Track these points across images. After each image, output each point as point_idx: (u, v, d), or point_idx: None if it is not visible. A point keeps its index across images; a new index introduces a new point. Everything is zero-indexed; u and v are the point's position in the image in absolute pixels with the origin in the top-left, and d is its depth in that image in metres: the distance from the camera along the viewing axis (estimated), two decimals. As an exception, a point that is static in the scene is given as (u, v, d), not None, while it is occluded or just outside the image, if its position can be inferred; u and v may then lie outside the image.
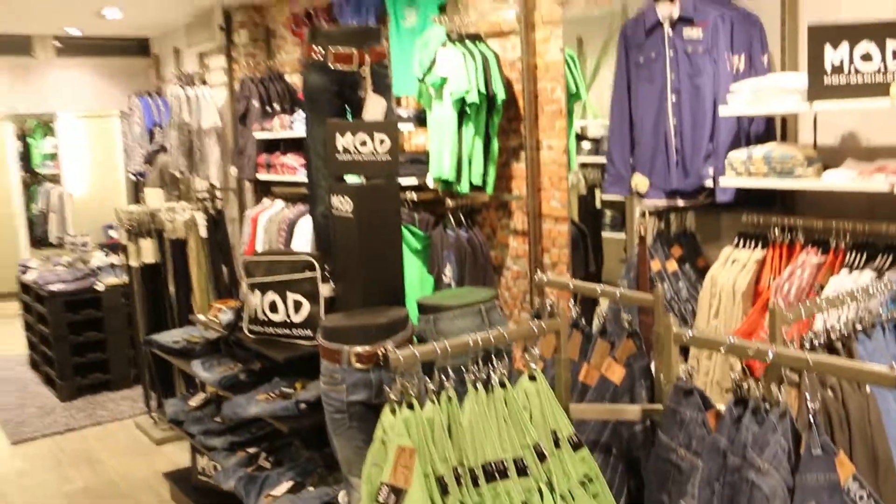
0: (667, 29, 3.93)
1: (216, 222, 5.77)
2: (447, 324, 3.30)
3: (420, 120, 5.49)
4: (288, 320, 3.60)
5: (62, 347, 6.29)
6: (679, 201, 4.05)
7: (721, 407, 2.04)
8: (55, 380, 6.40)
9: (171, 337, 4.43)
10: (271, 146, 7.04)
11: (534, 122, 5.15)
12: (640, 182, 4.11)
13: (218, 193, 7.46)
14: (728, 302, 3.73)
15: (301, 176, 6.43)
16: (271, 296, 3.62)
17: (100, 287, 6.39)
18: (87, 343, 6.42)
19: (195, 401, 4.42)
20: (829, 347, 2.44)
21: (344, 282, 3.48)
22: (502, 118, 5.16)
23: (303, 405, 3.34)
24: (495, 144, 5.14)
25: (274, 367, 3.70)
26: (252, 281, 3.68)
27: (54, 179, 10.79)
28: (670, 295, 4.12)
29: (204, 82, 7.84)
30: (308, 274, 3.54)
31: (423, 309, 3.36)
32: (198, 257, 5.44)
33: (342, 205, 3.38)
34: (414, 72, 5.61)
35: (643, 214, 4.16)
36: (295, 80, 7.27)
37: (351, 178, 3.63)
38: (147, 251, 5.33)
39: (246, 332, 3.75)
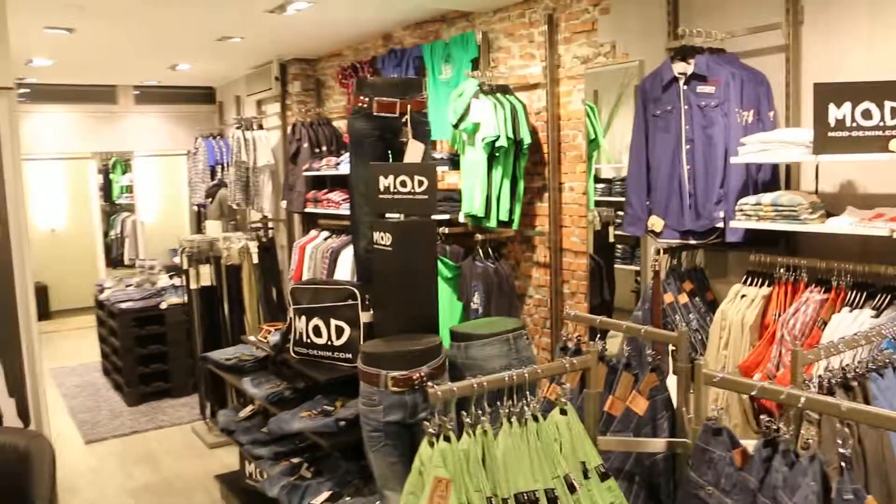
0: (681, 85, 3.76)
1: (267, 249, 5.63)
2: (477, 350, 3.12)
3: (453, 162, 5.32)
4: (330, 343, 3.41)
5: (129, 358, 6.14)
6: (691, 240, 3.85)
7: (748, 444, 1.83)
8: (123, 387, 6.24)
9: (225, 355, 4.27)
10: (318, 183, 6.89)
11: (556, 165, 4.98)
12: (655, 223, 3.91)
13: (269, 224, 7.35)
14: (737, 334, 3.52)
15: (343, 210, 6.27)
16: (316, 321, 3.44)
17: (164, 305, 6.24)
18: (151, 355, 6.26)
19: (245, 412, 4.23)
20: (845, 386, 2.23)
21: (383, 310, 3.30)
22: (528, 161, 4.98)
23: (342, 422, 3.15)
24: (521, 185, 4.97)
25: (316, 385, 3.51)
26: (298, 306, 3.51)
27: (130, 209, 10.72)
28: (682, 326, 3.92)
29: (261, 126, 7.72)
30: (350, 302, 3.36)
31: (455, 336, 3.18)
32: (250, 281, 5.29)
33: (382, 239, 3.21)
34: (448, 119, 5.48)
35: (658, 252, 3.95)
36: (341, 125, 7.14)
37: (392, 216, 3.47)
38: (205, 275, 5.18)
39: (291, 353, 3.57)
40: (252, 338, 4.01)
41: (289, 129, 7.41)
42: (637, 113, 3.99)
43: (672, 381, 4.02)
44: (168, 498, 4.60)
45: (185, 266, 5.26)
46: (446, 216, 5.21)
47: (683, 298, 4.00)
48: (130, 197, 10.71)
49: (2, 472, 3.28)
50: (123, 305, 6.14)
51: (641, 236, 4.07)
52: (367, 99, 3.43)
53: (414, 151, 3.44)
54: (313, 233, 6.77)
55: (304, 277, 6.61)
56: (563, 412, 1.96)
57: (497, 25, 5.37)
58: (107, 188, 11.14)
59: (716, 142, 3.66)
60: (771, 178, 3.70)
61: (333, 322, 3.39)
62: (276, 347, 3.70)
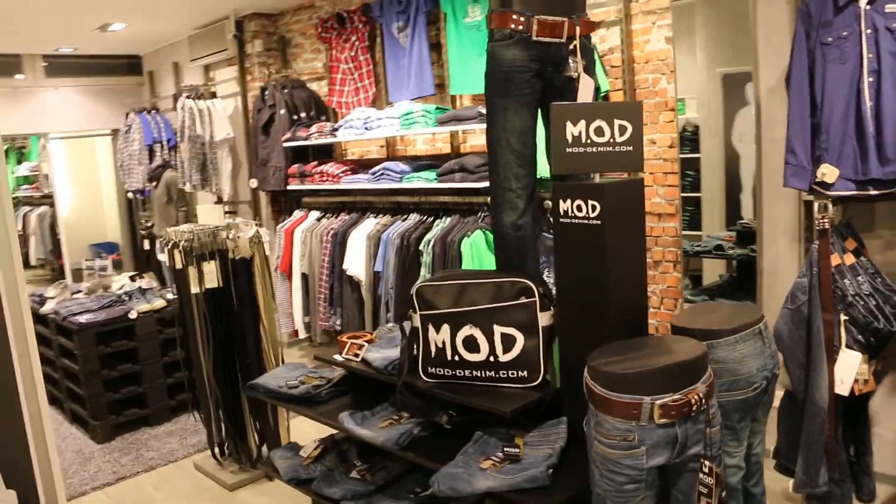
0: (863, 4, 2.97)
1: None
2: (727, 351, 2.25)
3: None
4: (493, 359, 2.42)
5: (94, 384, 4.84)
6: (871, 191, 3.09)
7: None
8: (87, 419, 4.93)
9: (284, 380, 3.17)
10: (299, 156, 5.75)
11: (632, 116, 4.10)
12: (829, 172, 3.12)
13: (227, 207, 6.17)
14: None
15: (345, 185, 5.18)
16: (468, 330, 2.43)
17: (133, 315, 4.96)
18: (121, 377, 4.98)
19: (309, 451, 3.15)
20: None
21: (573, 307, 2.34)
22: (598, 114, 4.09)
23: (550, 470, 2.18)
24: (594, 142, 4.07)
25: (464, 419, 2.53)
26: (433, 312, 2.49)
27: (31, 202, 9.06)
28: (853, 290, 3.17)
29: (213, 94, 6.43)
30: (524, 300, 2.37)
31: (688, 334, 2.26)
32: (263, 278, 4.15)
33: (580, 210, 2.24)
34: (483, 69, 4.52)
35: (825, 207, 3.16)
36: (319, 87, 5.98)
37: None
38: (210, 275, 4.00)
39: (423, 376, 2.55)
40: (338, 357, 2.93)
41: (251, 95, 6.18)
42: (797, 43, 3.17)
43: (847, 359, 3.28)
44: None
45: (177, 265, 4.05)
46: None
47: (850, 259, 3.24)
48: (31, 188, 9.05)
49: None
50: (83, 319, 4.81)
51: (806, 190, 3.26)
52: (522, 18, 2.42)
53: (586, 89, 2.48)
54: (299, 213, 5.64)
55: (296, 266, 5.50)
56: None
57: (538, -45, 4.41)
58: (0, 181, 9.38)
59: (917, 72, 2.90)
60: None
61: (498, 329, 2.40)
62: (393, 370, 2.66)
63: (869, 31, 2.96)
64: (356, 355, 2.90)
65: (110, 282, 5.41)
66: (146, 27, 6.30)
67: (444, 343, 2.48)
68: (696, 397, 1.95)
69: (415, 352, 2.58)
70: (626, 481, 1.97)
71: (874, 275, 3.23)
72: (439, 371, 2.51)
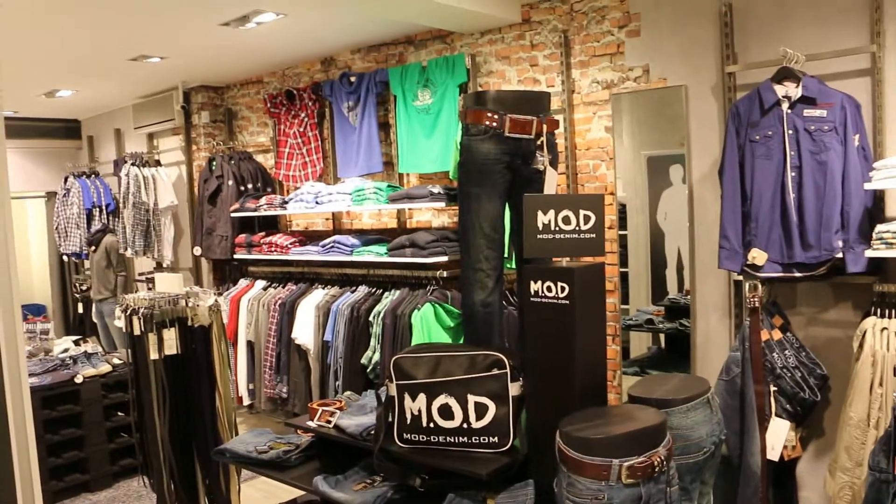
0: (785, 108, 3.40)
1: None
2: (680, 418, 2.51)
3: (449, 196, 4.60)
4: (466, 426, 2.62)
5: (37, 449, 4.75)
6: (796, 273, 3.48)
7: None
8: (23, 488, 4.83)
9: (252, 445, 3.27)
10: (244, 226, 5.88)
11: (573, 199, 4.44)
12: (758, 256, 3.50)
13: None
14: (890, 371, 3.18)
15: (294, 255, 5.34)
16: (444, 399, 2.63)
17: (79, 379, 4.93)
18: (63, 442, 4.92)
19: (272, 516, 3.26)
20: None
21: (541, 378, 2.57)
22: (543, 195, 4.42)
23: (524, 531, 2.38)
24: (539, 221, 4.38)
25: (439, 481, 2.70)
26: (410, 382, 2.68)
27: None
28: (781, 363, 3.54)
29: (158, 163, 6.52)
30: (496, 372, 2.59)
31: (646, 403, 2.52)
32: (220, 346, 4.25)
33: (550, 290, 2.50)
34: (431, 150, 4.84)
35: (755, 287, 3.53)
36: (264, 159, 6.16)
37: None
38: (170, 342, 4.07)
39: (397, 442, 2.73)
40: (311, 423, 3.07)
41: (196, 164, 6.31)
42: (728, 139, 3.58)
43: (777, 426, 3.61)
44: None
45: (136, 331, 4.11)
46: (444, 258, 4.52)
47: (777, 334, 3.64)
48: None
49: None
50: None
51: (738, 272, 3.63)
52: (496, 116, 2.71)
53: (551, 181, 2.77)
54: (245, 282, 5.74)
55: (241, 333, 5.58)
56: None
57: (486, 48, 4.78)
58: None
59: (832, 168, 3.33)
60: (873, 205, 3.42)
61: (472, 399, 2.60)
62: (368, 436, 2.82)
63: (791, 131, 3.39)
64: (328, 422, 3.04)
65: (52, 345, 5.36)
66: (92, 94, 6.38)
67: (419, 411, 2.67)
68: (658, 460, 2.20)
69: (390, 418, 2.75)
70: (596, 536, 2.19)
71: (799, 349, 3.60)
72: (414, 437, 2.69)
